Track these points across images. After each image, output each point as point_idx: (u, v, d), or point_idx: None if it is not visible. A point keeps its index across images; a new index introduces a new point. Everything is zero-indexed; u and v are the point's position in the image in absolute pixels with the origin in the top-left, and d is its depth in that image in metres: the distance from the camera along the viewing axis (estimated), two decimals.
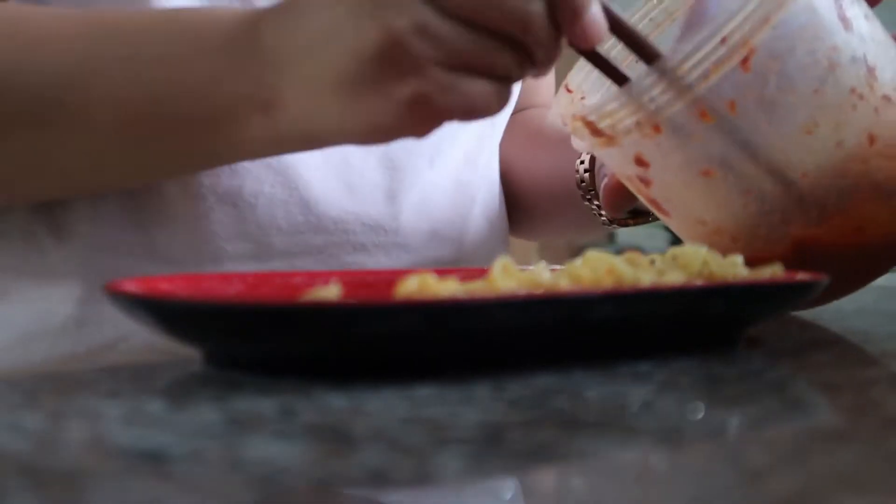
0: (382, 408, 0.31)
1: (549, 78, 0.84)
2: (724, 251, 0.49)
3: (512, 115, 0.76)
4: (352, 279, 0.48)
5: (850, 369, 0.41)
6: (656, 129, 0.49)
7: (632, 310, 0.38)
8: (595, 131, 0.49)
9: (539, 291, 0.38)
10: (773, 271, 0.43)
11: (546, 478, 0.25)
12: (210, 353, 0.39)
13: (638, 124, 0.48)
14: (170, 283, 0.42)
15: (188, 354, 0.39)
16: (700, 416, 0.31)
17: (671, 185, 0.52)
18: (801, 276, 0.43)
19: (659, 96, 0.47)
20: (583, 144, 0.53)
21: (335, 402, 0.32)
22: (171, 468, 0.26)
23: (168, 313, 0.37)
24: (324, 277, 0.47)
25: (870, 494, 0.24)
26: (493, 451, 0.27)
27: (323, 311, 0.35)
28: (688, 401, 0.33)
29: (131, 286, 0.39)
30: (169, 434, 0.29)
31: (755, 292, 0.41)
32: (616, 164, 0.54)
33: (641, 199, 0.55)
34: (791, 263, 0.50)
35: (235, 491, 0.24)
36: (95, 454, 0.28)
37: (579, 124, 0.50)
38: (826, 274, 0.43)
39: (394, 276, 0.49)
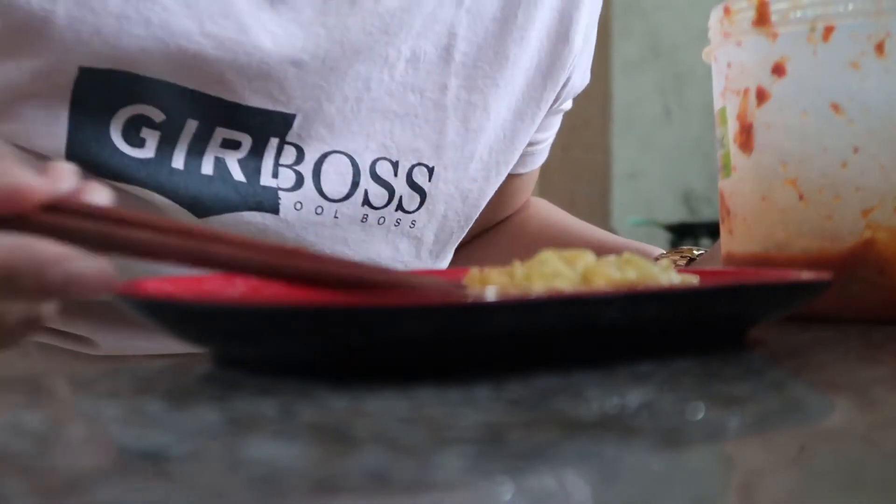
0: (382, 408, 0.31)
1: (529, 183, 0.87)
2: (778, 217, 0.48)
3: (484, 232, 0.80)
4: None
5: (850, 369, 0.41)
6: (827, 32, 0.49)
7: (638, 311, 0.38)
8: (762, 17, 0.49)
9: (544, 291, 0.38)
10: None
11: (546, 478, 0.25)
12: (217, 353, 0.39)
13: (813, 21, 0.49)
14: (174, 284, 0.42)
15: (188, 354, 0.39)
16: (700, 416, 0.31)
17: (790, 105, 0.52)
18: (807, 275, 0.43)
19: (856, 3, 0.47)
20: (716, 40, 0.53)
21: (335, 402, 0.32)
22: (171, 468, 0.26)
23: (172, 316, 0.37)
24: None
25: (870, 494, 0.24)
26: (493, 451, 0.27)
27: (327, 312, 0.35)
28: (688, 401, 0.33)
29: (138, 288, 0.39)
30: (169, 434, 0.29)
31: (762, 291, 0.41)
32: (745, 68, 0.54)
33: (729, 123, 0.55)
34: (847, 263, 0.49)
35: (235, 491, 0.24)
36: (95, 454, 0.28)
37: (749, 4, 0.50)
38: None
39: (403, 277, 0.49)
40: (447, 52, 0.70)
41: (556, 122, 0.84)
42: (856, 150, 0.51)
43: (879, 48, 0.50)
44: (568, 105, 0.83)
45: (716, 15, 0.57)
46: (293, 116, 0.65)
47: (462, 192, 0.74)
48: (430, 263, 0.74)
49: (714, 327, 0.41)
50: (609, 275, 0.41)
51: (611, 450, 0.27)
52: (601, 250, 0.80)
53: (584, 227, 0.87)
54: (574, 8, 0.76)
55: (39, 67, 0.60)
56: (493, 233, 0.83)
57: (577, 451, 0.27)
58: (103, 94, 0.61)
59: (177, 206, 0.63)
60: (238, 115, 0.63)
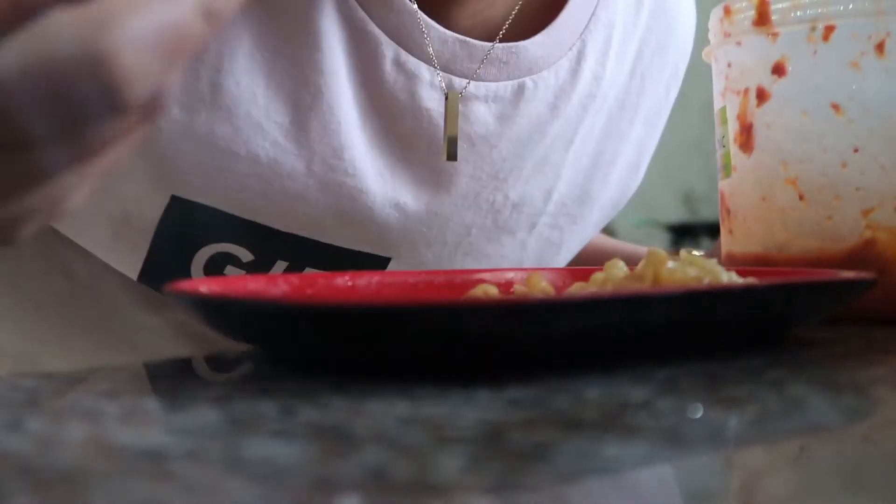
0: (382, 408, 0.31)
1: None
2: (778, 217, 0.48)
3: None
4: (393, 280, 0.49)
5: (850, 369, 0.41)
6: (827, 32, 0.49)
7: (685, 312, 0.38)
8: (762, 16, 0.49)
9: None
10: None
11: (546, 478, 0.25)
12: (268, 351, 0.39)
13: (813, 21, 0.49)
14: (219, 283, 0.42)
15: (187, 354, 0.39)
16: (700, 416, 0.31)
17: (790, 105, 0.52)
18: (847, 274, 0.44)
19: (856, 3, 0.47)
20: (716, 40, 0.53)
21: (335, 402, 0.32)
22: (171, 468, 0.26)
23: (215, 312, 0.38)
24: (366, 277, 0.48)
25: (870, 494, 0.24)
26: (493, 451, 0.27)
27: (367, 312, 0.35)
28: (688, 401, 0.33)
29: (183, 286, 0.39)
30: (169, 434, 0.29)
31: (805, 291, 0.41)
32: (745, 68, 0.54)
33: (729, 123, 0.55)
34: (847, 263, 0.50)
35: (235, 491, 0.24)
36: (95, 454, 0.28)
37: (749, 4, 0.51)
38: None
39: (431, 277, 0.50)
40: (549, 194, 0.68)
41: None
42: (856, 150, 0.51)
43: (879, 48, 0.50)
44: None
45: (716, 15, 0.57)
46: (388, 260, 0.62)
47: None
48: None
49: (762, 327, 0.42)
50: (679, 274, 0.42)
51: (611, 450, 0.27)
52: (599, 255, 0.80)
53: None
54: (650, 139, 0.74)
55: (130, 192, 0.58)
56: None
57: (577, 451, 0.27)
58: (191, 228, 0.58)
59: None
60: (331, 255, 0.61)
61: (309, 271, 0.60)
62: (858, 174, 0.51)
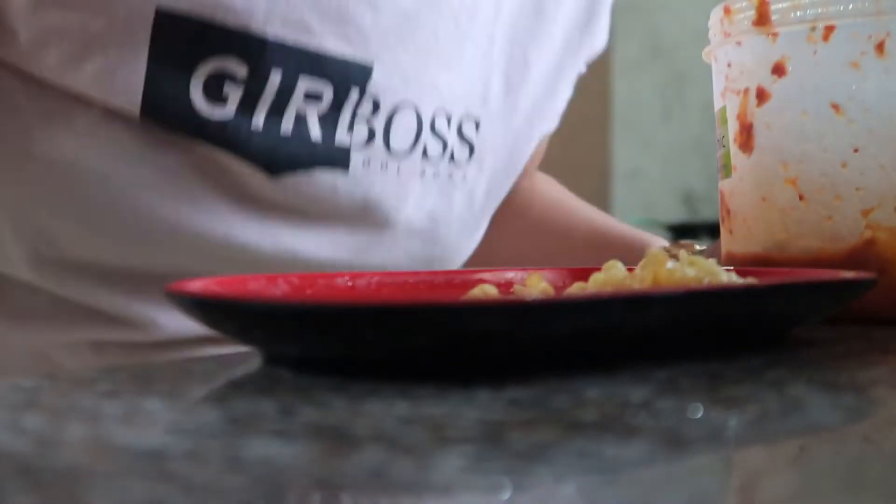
0: (382, 408, 0.31)
1: (540, 148, 0.87)
2: (778, 217, 0.48)
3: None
4: (393, 280, 0.49)
5: (850, 369, 0.41)
6: (827, 32, 0.49)
7: (685, 312, 0.38)
8: (762, 16, 0.50)
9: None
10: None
11: (546, 478, 0.25)
12: (266, 352, 0.39)
13: (813, 21, 0.49)
14: (219, 284, 0.42)
15: (188, 354, 0.39)
16: (700, 416, 0.31)
17: (790, 105, 0.52)
18: (847, 274, 0.44)
19: (856, 3, 0.48)
20: (716, 40, 0.54)
21: (335, 402, 0.32)
22: (171, 468, 0.26)
23: (214, 313, 0.38)
24: (367, 277, 0.48)
25: (870, 494, 0.24)
26: (493, 451, 0.27)
27: (365, 312, 0.35)
28: (688, 401, 0.33)
29: (186, 287, 0.39)
30: (169, 434, 0.29)
31: (805, 291, 0.41)
32: (745, 68, 0.54)
33: (729, 123, 0.56)
34: (847, 263, 0.50)
35: (235, 491, 0.24)
36: (95, 454, 0.28)
37: (749, 4, 0.51)
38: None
39: (431, 277, 0.50)
40: (497, 4, 0.72)
41: (570, 88, 0.86)
42: (856, 150, 0.51)
43: (879, 48, 0.50)
44: (582, 68, 0.85)
45: (716, 15, 0.57)
46: (371, 68, 0.65)
47: (507, 146, 0.76)
48: (480, 218, 0.76)
49: (762, 327, 0.42)
50: (679, 274, 0.42)
51: (611, 450, 0.27)
52: (606, 236, 0.82)
53: (589, 211, 0.88)
54: None
55: (115, 11, 0.60)
56: (497, 210, 0.83)
57: (577, 451, 0.27)
58: (182, 45, 0.60)
59: (250, 168, 0.63)
60: (319, 63, 0.63)
61: (302, 81, 0.63)
62: (858, 174, 0.51)
